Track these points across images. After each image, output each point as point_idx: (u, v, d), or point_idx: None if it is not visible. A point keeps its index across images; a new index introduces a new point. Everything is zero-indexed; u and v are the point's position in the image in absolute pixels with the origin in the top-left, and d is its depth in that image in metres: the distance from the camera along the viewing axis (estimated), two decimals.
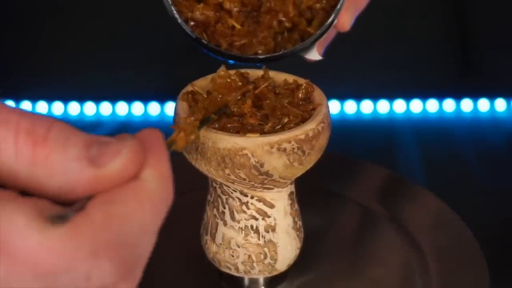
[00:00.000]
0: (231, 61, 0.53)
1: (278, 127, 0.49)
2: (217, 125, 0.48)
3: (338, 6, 0.52)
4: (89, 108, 0.94)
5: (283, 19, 0.53)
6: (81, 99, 0.95)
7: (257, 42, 0.53)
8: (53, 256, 0.28)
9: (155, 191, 0.31)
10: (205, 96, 0.51)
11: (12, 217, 0.28)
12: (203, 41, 0.52)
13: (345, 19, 0.53)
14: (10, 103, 0.95)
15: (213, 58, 0.53)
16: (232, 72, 0.53)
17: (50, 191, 0.30)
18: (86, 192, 0.30)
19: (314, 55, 0.54)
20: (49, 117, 0.31)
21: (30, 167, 0.30)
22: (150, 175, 0.31)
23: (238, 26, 0.53)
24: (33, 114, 0.30)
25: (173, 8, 0.52)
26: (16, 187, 0.30)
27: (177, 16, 0.52)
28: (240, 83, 0.51)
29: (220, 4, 0.53)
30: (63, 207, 0.30)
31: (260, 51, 0.53)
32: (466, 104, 0.92)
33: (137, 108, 0.94)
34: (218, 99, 0.49)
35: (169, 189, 0.32)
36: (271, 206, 0.52)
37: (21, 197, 0.29)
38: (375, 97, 0.92)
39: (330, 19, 0.53)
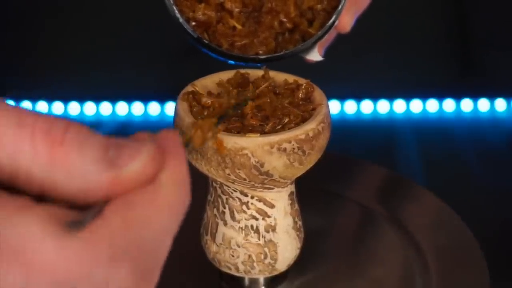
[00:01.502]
0: (231, 62, 0.53)
1: (279, 127, 0.49)
2: (220, 127, 0.47)
3: (339, 7, 0.52)
4: (89, 108, 0.94)
5: (284, 19, 0.53)
6: (81, 99, 0.95)
7: (258, 42, 0.53)
8: (71, 263, 0.28)
9: (172, 195, 0.31)
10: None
11: (28, 226, 0.28)
12: (205, 40, 0.52)
13: (345, 20, 0.53)
14: (10, 103, 0.95)
15: (213, 58, 0.53)
16: (232, 72, 0.53)
17: (67, 193, 0.30)
18: (104, 195, 0.30)
19: (315, 56, 0.54)
20: (66, 119, 0.30)
21: (47, 169, 0.29)
22: (168, 178, 0.31)
23: (239, 27, 0.53)
24: (49, 116, 0.30)
25: (174, 7, 0.52)
26: (32, 190, 0.30)
27: (178, 15, 0.52)
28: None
29: (221, 4, 0.53)
30: (79, 211, 0.30)
31: (261, 52, 0.53)
32: (466, 104, 0.92)
33: (137, 108, 0.94)
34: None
35: (186, 192, 0.32)
36: (271, 206, 0.52)
37: (37, 204, 0.29)
38: (375, 97, 0.92)
39: (331, 20, 0.53)
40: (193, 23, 0.53)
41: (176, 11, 0.52)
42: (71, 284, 0.28)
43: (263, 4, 0.53)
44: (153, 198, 0.30)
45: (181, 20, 0.52)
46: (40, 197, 0.30)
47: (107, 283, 0.29)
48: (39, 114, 0.30)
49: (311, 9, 0.54)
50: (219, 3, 0.53)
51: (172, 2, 0.51)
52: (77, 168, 0.29)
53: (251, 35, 0.53)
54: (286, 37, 0.54)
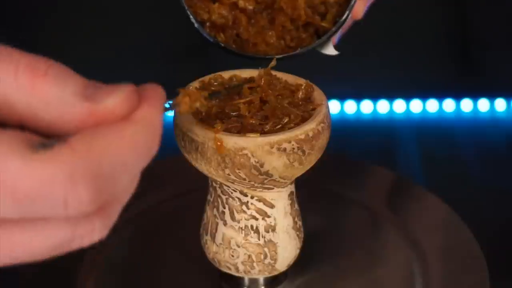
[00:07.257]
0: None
1: (278, 127, 0.49)
2: (219, 127, 0.47)
3: (352, 2, 0.53)
4: None
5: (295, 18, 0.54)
6: None
7: (267, 46, 0.54)
8: (31, 180, 0.29)
9: (139, 133, 0.33)
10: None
11: None
12: (221, 44, 0.53)
13: (358, 7, 0.54)
14: None
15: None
16: (229, 73, 0.53)
17: (44, 123, 0.32)
18: (78, 127, 0.32)
19: (330, 50, 0.55)
20: (49, 59, 0.33)
21: (27, 97, 0.31)
22: (139, 118, 0.33)
23: (245, 35, 0.54)
24: (34, 55, 0.32)
25: (189, 12, 0.52)
26: (12, 120, 0.32)
27: (193, 21, 0.53)
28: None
29: (235, 3, 0.54)
30: (49, 139, 0.31)
31: (272, 54, 0.54)
32: (466, 104, 0.92)
33: None
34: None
35: (155, 137, 0.33)
36: (271, 206, 0.52)
37: (8, 129, 0.31)
38: (375, 97, 0.92)
39: (344, 16, 0.53)
40: (208, 24, 0.54)
41: (191, 16, 0.52)
42: (30, 201, 0.30)
43: (274, 0, 0.54)
44: (120, 133, 0.32)
45: (196, 25, 0.53)
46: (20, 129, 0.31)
47: (66, 204, 0.30)
48: (25, 53, 0.32)
49: (323, 2, 0.54)
50: (232, 2, 0.54)
51: (186, 7, 0.52)
52: (55, 98, 0.32)
53: (259, 37, 0.54)
54: (301, 30, 0.54)
